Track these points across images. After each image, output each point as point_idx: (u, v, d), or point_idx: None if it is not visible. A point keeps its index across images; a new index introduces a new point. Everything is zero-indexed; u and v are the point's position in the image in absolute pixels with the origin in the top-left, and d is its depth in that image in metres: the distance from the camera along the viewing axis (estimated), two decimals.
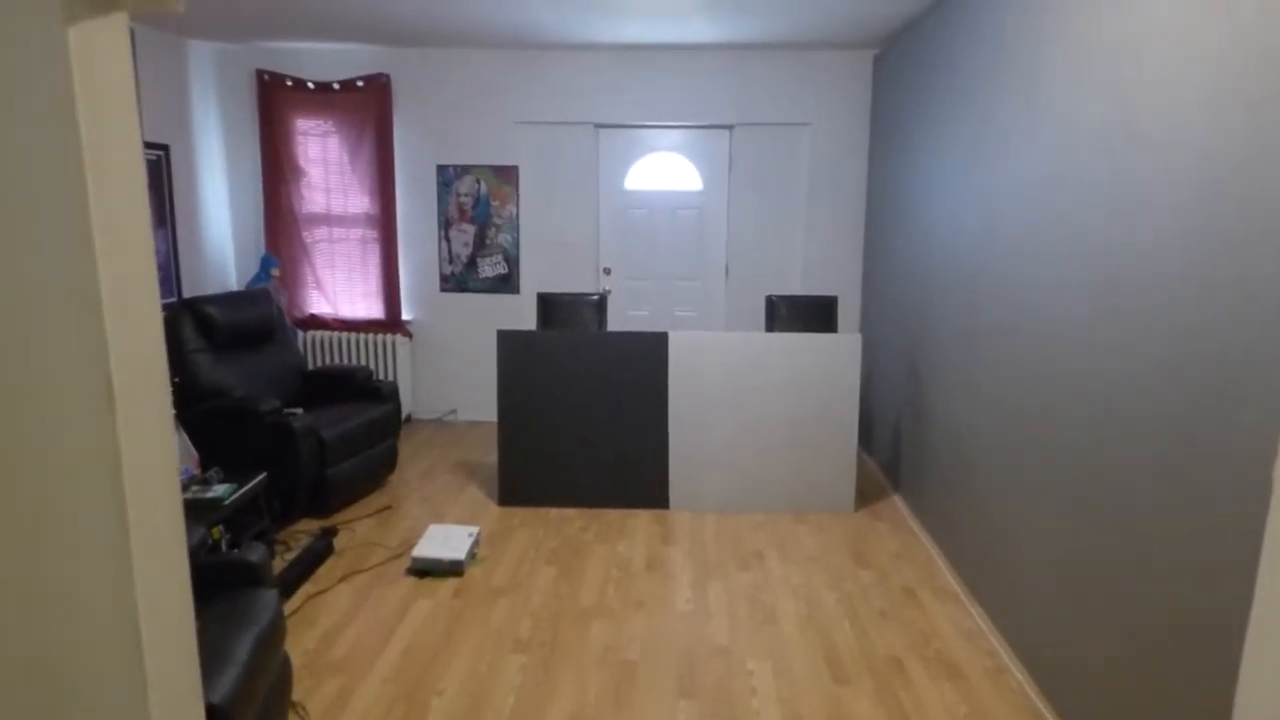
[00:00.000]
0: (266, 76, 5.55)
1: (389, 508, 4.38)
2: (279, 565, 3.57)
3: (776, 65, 5.48)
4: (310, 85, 5.57)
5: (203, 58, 5.44)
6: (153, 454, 1.27)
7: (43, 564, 1.21)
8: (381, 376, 5.78)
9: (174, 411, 1.45)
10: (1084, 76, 2.56)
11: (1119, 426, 2.28)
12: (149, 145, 4.85)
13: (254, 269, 5.78)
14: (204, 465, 3.75)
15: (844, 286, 5.72)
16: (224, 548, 3.36)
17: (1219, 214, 1.87)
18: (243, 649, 2.18)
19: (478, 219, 5.77)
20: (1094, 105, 2.49)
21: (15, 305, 1.12)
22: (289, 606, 3.30)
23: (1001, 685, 2.82)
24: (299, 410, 4.22)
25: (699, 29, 4.81)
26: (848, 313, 5.73)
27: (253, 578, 2.52)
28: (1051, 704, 2.63)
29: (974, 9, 3.57)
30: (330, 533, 3.96)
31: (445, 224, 5.80)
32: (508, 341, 4.35)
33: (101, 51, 1.11)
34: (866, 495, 4.62)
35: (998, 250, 3.20)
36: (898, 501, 4.52)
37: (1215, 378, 1.86)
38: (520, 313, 5.87)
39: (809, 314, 4.93)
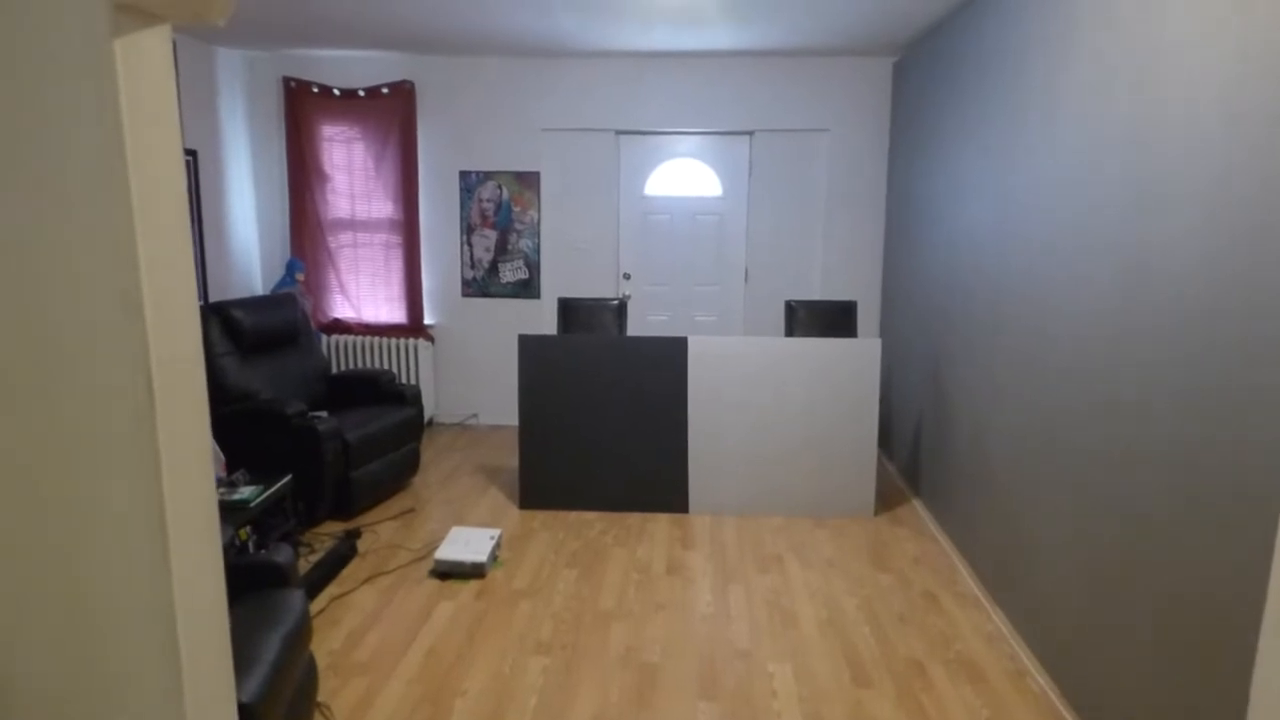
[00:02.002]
0: (293, 83, 5.63)
1: (411, 510, 4.43)
2: (303, 567, 3.62)
3: (796, 72, 5.49)
4: (336, 92, 5.64)
5: (231, 65, 5.53)
6: (190, 455, 1.31)
7: (82, 565, 1.24)
8: (404, 380, 5.83)
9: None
10: (1103, 81, 2.55)
11: (1141, 429, 2.27)
12: None
13: (279, 273, 5.86)
14: (230, 467, 3.81)
15: (863, 291, 5.71)
16: (251, 549, 3.41)
17: (1236, 212, 1.86)
18: (270, 649, 2.21)
19: (499, 224, 5.82)
20: (1113, 109, 2.48)
21: (61, 308, 1.16)
22: (314, 607, 3.34)
23: (1023, 689, 2.81)
24: (324, 413, 4.27)
25: (719, 36, 4.83)
26: (867, 317, 5.71)
27: (280, 579, 2.55)
28: (1074, 707, 2.61)
29: (994, 16, 3.56)
30: (354, 535, 4.00)
31: (467, 229, 5.85)
32: (529, 346, 4.38)
33: (146, 63, 1.15)
34: (886, 499, 4.60)
35: (1020, 253, 3.20)
36: (918, 506, 4.50)
37: (1234, 373, 1.85)
38: (541, 317, 5.91)
39: (828, 319, 4.93)
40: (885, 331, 5.53)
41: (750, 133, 5.64)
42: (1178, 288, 2.12)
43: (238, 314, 4.35)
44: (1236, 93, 1.91)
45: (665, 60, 5.53)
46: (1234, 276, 1.89)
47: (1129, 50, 2.42)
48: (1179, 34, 2.16)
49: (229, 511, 3.32)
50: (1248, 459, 1.82)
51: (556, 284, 5.90)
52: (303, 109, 5.67)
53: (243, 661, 2.11)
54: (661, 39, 4.95)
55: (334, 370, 5.63)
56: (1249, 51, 1.87)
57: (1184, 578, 2.06)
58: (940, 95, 4.36)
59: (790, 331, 4.94)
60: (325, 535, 4.03)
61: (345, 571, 3.68)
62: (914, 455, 4.68)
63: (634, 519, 4.34)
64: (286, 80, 5.63)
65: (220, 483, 3.54)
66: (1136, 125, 2.36)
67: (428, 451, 5.40)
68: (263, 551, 2.66)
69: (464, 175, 5.78)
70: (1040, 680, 2.84)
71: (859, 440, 4.33)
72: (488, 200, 5.80)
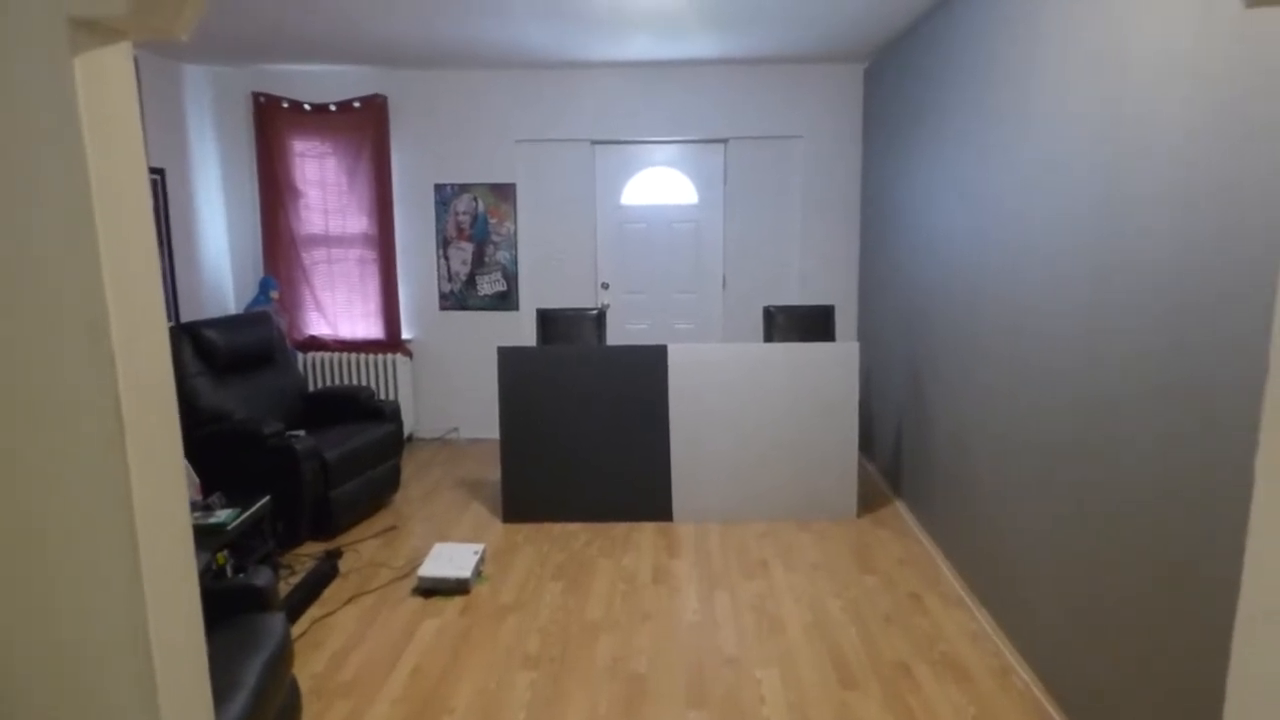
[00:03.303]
0: (263, 99, 5.58)
1: (393, 528, 4.38)
2: (283, 589, 3.56)
3: (768, 79, 5.53)
4: (307, 107, 5.60)
5: (198, 81, 5.47)
6: (163, 480, 1.28)
7: (53, 595, 1.21)
8: (383, 396, 5.78)
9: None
10: (1071, 84, 2.59)
11: (1118, 427, 2.29)
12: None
13: (252, 292, 5.80)
14: (206, 490, 3.75)
15: (840, 295, 5.75)
16: (229, 573, 3.36)
17: (1203, 207, 1.89)
18: (251, 674, 2.17)
19: (476, 237, 5.80)
20: (1081, 110, 2.51)
21: (24, 332, 1.14)
22: (295, 630, 3.29)
23: (1008, 686, 2.82)
24: (301, 432, 4.22)
25: (693, 45, 4.85)
26: (845, 321, 5.75)
27: (259, 602, 2.51)
28: (1058, 703, 2.63)
29: (960, 20, 3.61)
30: (335, 554, 3.95)
31: (444, 242, 5.82)
32: (508, 358, 4.36)
33: (107, 80, 1.13)
34: (868, 501, 4.62)
35: (993, 254, 3.23)
36: (900, 507, 4.52)
37: (1206, 370, 1.88)
38: (520, 329, 5.89)
39: (806, 323, 4.95)
40: (863, 335, 5.57)
41: (724, 141, 5.66)
42: (1149, 286, 2.15)
43: (210, 334, 4.29)
44: (1199, 95, 1.94)
45: (639, 70, 5.55)
46: (1203, 275, 1.91)
47: (1095, 53, 2.46)
48: (1143, 36, 2.20)
49: (206, 535, 3.26)
50: (1222, 455, 1.84)
51: (535, 295, 5.88)
52: (273, 124, 5.62)
53: (223, 688, 2.07)
54: (635, 49, 4.96)
55: (311, 388, 5.58)
56: (1210, 57, 1.90)
57: (1162, 573, 2.07)
58: (911, 100, 4.40)
59: (769, 337, 4.95)
60: (305, 556, 3.98)
61: (327, 592, 3.63)
62: (895, 457, 4.70)
63: (619, 529, 4.32)
64: (256, 96, 5.59)
65: (196, 506, 3.48)
66: (1105, 126, 2.39)
67: (408, 468, 5.35)
68: (241, 575, 2.61)
69: (439, 188, 5.76)
70: (1024, 676, 2.85)
71: (840, 443, 4.34)
72: (463, 213, 5.78)
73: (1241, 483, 1.78)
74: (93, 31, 1.09)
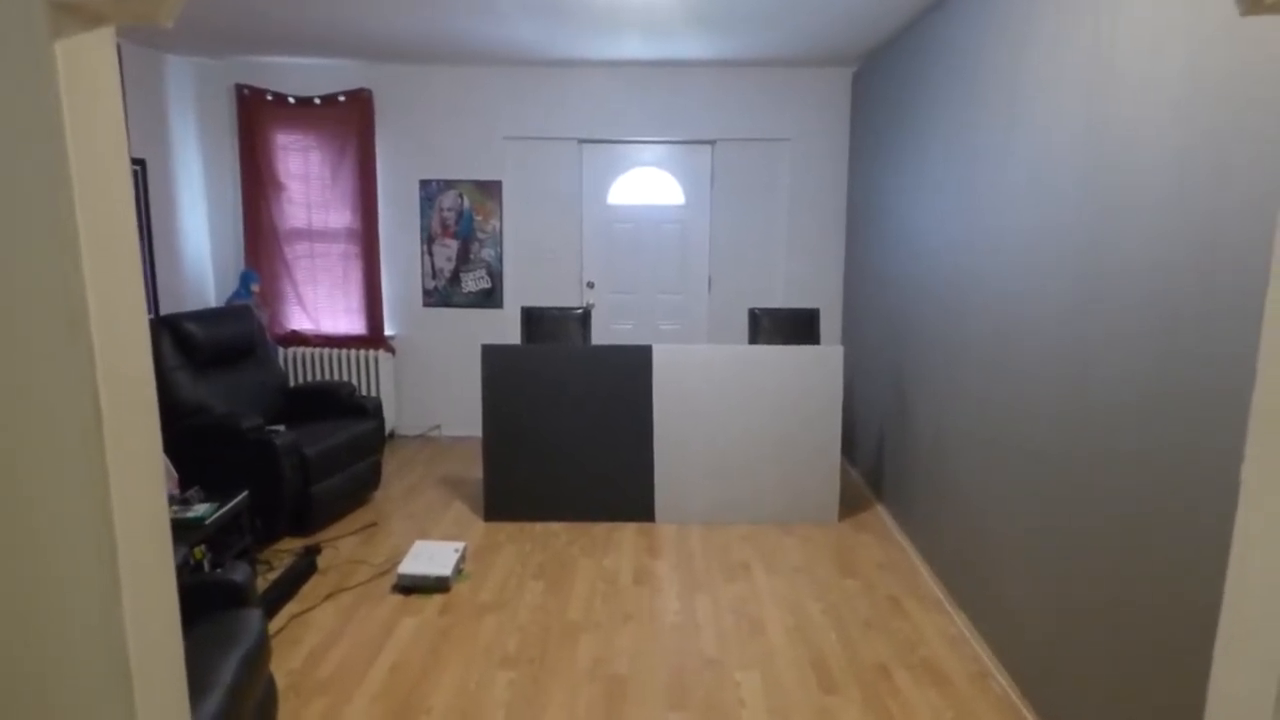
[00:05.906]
0: (246, 91, 5.52)
1: (373, 525, 4.35)
2: (261, 585, 3.53)
3: (757, 82, 5.54)
4: (291, 100, 5.55)
5: (181, 72, 5.41)
6: (141, 473, 1.26)
7: (28, 592, 1.19)
8: (364, 392, 5.74)
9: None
10: (1058, 88, 2.61)
11: (1101, 434, 2.31)
12: None
13: (233, 285, 5.73)
14: (184, 485, 3.71)
15: (825, 299, 5.77)
16: (206, 568, 3.32)
17: (1189, 216, 1.91)
18: (227, 671, 2.15)
19: (461, 234, 5.77)
20: (1068, 115, 2.53)
21: (1, 325, 1.11)
22: (273, 626, 3.25)
23: (986, 690, 2.84)
24: (281, 427, 4.18)
25: (682, 46, 4.85)
26: (829, 324, 5.77)
27: (237, 598, 2.48)
28: (1034, 708, 2.65)
29: (950, 27, 3.63)
30: (314, 551, 3.92)
31: (428, 239, 5.79)
32: (492, 356, 4.34)
33: (89, 66, 1.11)
34: (850, 505, 4.63)
35: (979, 260, 3.25)
36: (881, 511, 4.54)
37: (1189, 379, 1.90)
38: (504, 327, 5.86)
39: (791, 326, 4.96)
40: (848, 338, 5.59)
41: (712, 142, 5.66)
42: (1134, 294, 2.17)
43: (190, 327, 4.24)
44: (1190, 104, 1.96)
45: (627, 69, 5.54)
46: (1190, 282, 1.93)
47: (1083, 57, 2.48)
48: (1131, 40, 2.21)
49: (183, 530, 3.22)
50: (1205, 462, 1.86)
51: (520, 293, 5.86)
52: (256, 117, 5.57)
53: (199, 685, 2.04)
54: (624, 48, 4.95)
55: (292, 383, 5.53)
56: (1202, 65, 1.92)
57: (1142, 579, 2.09)
58: (899, 105, 4.42)
59: (754, 339, 4.96)
60: (284, 552, 3.94)
61: (305, 589, 3.60)
62: (877, 461, 4.72)
63: (600, 529, 4.31)
64: (239, 88, 5.53)
65: (173, 500, 3.44)
66: (1092, 134, 2.41)
67: (389, 464, 5.31)
68: (219, 570, 2.58)
69: (424, 184, 5.72)
70: (1001, 681, 2.87)
71: (823, 447, 4.35)
72: (449, 209, 5.75)
73: (1224, 493, 1.80)
74: (73, 15, 1.06)
